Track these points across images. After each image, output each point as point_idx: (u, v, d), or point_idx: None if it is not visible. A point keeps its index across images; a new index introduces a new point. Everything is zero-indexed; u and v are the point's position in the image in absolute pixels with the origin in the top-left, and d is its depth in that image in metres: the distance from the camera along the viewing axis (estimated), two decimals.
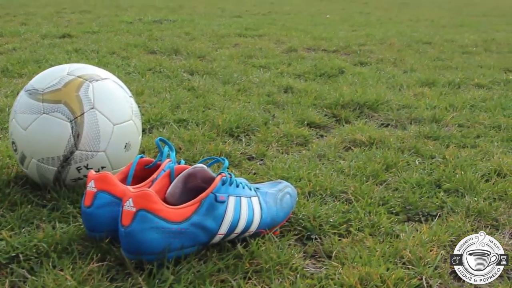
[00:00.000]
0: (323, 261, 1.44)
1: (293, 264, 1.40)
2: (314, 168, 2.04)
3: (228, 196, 1.42)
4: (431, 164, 2.15)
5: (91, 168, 1.75)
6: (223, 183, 1.42)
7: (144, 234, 1.31)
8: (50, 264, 1.35)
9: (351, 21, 7.89)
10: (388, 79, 3.80)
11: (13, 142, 1.81)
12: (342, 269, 1.37)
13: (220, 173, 1.43)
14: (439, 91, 3.45)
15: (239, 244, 1.45)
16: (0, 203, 1.69)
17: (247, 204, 1.47)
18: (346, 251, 1.46)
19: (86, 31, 5.94)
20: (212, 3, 11.09)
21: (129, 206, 1.32)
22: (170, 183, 1.47)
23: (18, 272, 1.34)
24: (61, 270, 1.33)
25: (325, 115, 2.81)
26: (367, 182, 1.94)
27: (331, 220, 1.62)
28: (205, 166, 1.46)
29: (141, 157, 1.62)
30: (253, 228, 1.48)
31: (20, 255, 1.40)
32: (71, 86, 1.77)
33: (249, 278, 1.34)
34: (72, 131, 1.72)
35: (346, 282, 1.31)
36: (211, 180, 1.44)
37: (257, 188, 1.56)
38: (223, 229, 1.41)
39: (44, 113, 1.73)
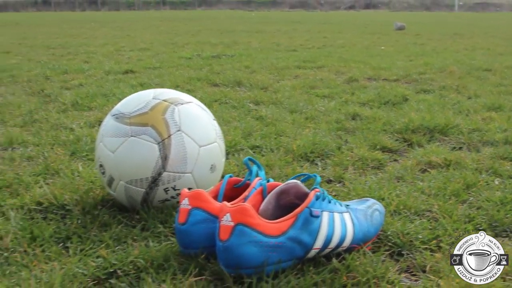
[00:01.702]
0: (419, 275, 1.44)
1: (389, 277, 1.40)
2: (395, 189, 2.04)
3: (322, 211, 1.43)
4: (510, 183, 2.13)
5: (178, 189, 1.78)
6: (317, 198, 1.43)
7: (242, 248, 1.33)
8: (150, 278, 1.38)
9: (406, 52, 7.87)
10: (454, 105, 3.78)
11: (100, 165, 1.85)
12: (441, 281, 1.36)
13: (313, 188, 1.45)
14: (507, 115, 3.42)
15: (334, 258, 1.46)
16: (90, 224, 1.73)
17: (340, 220, 1.48)
18: (440, 265, 1.45)
19: (148, 67, 6.04)
20: (265, 38, 11.18)
21: (226, 220, 1.34)
22: (263, 200, 1.49)
23: (119, 286, 1.36)
24: (160, 284, 1.35)
25: (396, 140, 2.81)
26: (449, 200, 1.93)
27: (420, 236, 1.62)
28: (298, 182, 1.47)
29: (230, 176, 1.64)
30: (347, 243, 1.49)
31: (118, 271, 1.43)
32: (157, 109, 1.81)
33: None
34: (160, 153, 1.75)
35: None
36: (304, 196, 1.45)
37: (347, 205, 1.57)
38: (318, 243, 1.42)
39: (132, 136, 1.77)
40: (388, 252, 1.56)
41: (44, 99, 4.12)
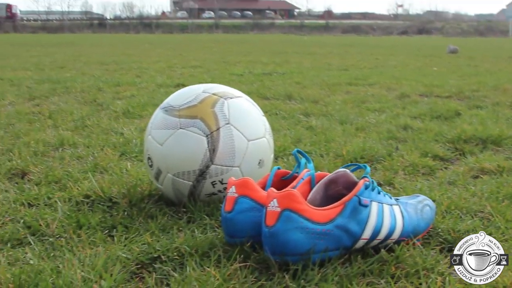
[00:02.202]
0: None
1: (439, 270, 1.36)
2: (446, 192, 2.00)
3: (371, 201, 1.40)
4: None
5: (226, 183, 1.76)
6: (366, 187, 1.40)
7: (288, 234, 1.30)
8: (194, 263, 1.36)
9: (459, 72, 7.77)
10: (508, 120, 3.70)
11: (149, 158, 1.85)
12: None
13: (363, 177, 1.42)
14: None
15: (382, 250, 1.42)
16: (137, 215, 1.72)
17: (389, 211, 1.44)
18: None
19: (199, 82, 6.05)
20: (317, 59, 11.17)
21: (273, 206, 1.32)
22: (311, 190, 1.47)
23: (163, 270, 1.35)
24: (203, 269, 1.33)
25: (448, 149, 2.75)
26: (502, 203, 1.88)
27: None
28: (347, 170, 1.45)
29: (278, 168, 1.62)
30: (396, 235, 1.45)
31: (162, 256, 1.42)
32: (206, 102, 1.80)
33: (396, 281, 1.31)
34: (208, 146, 1.74)
35: (500, 283, 1.26)
36: (353, 185, 1.42)
37: (397, 199, 1.54)
38: (367, 233, 1.39)
39: (180, 128, 1.76)
40: (439, 248, 1.52)
41: (96, 108, 4.17)
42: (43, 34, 39.79)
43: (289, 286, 1.26)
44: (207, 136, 1.75)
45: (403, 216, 1.47)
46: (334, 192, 1.45)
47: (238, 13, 75.64)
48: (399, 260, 1.39)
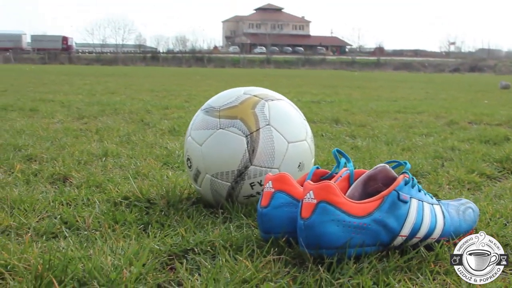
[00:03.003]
0: None
1: None
2: (491, 203, 1.94)
3: (411, 198, 1.36)
4: None
5: None
6: (406, 183, 1.36)
7: (324, 227, 1.27)
8: (227, 255, 1.33)
9: (511, 105, 7.64)
10: None
11: (188, 159, 1.84)
12: None
13: (402, 173, 1.38)
14: None
15: (421, 247, 1.38)
16: (173, 215, 1.71)
17: (430, 210, 1.40)
18: None
19: None
20: (367, 92, 11.13)
21: (309, 198, 1.29)
22: (349, 187, 1.43)
23: (195, 260, 1.33)
24: (236, 260, 1.30)
25: (495, 168, 2.68)
26: None
27: None
28: (387, 165, 1.41)
29: (317, 168, 1.59)
30: (436, 235, 1.40)
31: (195, 249, 1.40)
32: (247, 103, 1.78)
33: (435, 278, 1.26)
34: (247, 146, 1.72)
35: None
36: (392, 181, 1.38)
37: (438, 200, 1.49)
38: (405, 230, 1.35)
39: (220, 128, 1.75)
40: None
41: (143, 126, 4.20)
42: (97, 66, 40.50)
43: (323, 278, 1.22)
44: (246, 136, 1.73)
45: (444, 216, 1.43)
46: (373, 189, 1.41)
47: (290, 48, 75.99)
48: (439, 258, 1.34)
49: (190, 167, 1.83)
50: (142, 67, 39.14)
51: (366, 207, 1.30)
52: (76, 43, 69.04)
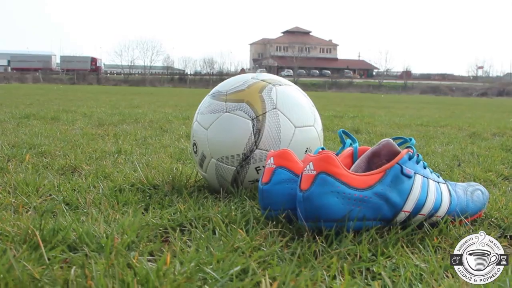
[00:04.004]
0: None
1: None
2: (505, 194, 1.89)
3: (415, 173, 1.32)
4: None
5: None
6: (410, 158, 1.32)
7: (323, 198, 1.23)
8: (223, 227, 1.30)
9: None
10: None
11: (194, 144, 1.81)
12: None
13: (406, 147, 1.34)
14: None
15: (425, 223, 1.33)
16: (177, 198, 1.68)
17: (435, 187, 1.35)
18: None
19: None
20: (391, 111, 11.07)
21: (309, 169, 1.25)
22: (353, 164, 1.39)
23: (190, 232, 1.29)
24: (232, 232, 1.27)
25: None
26: None
27: None
28: (390, 140, 1.37)
29: (322, 149, 1.55)
30: (441, 213, 1.36)
31: (192, 223, 1.36)
32: (254, 87, 1.76)
33: (436, 251, 1.22)
34: (253, 129, 1.69)
35: None
36: (396, 155, 1.34)
37: (446, 180, 1.45)
38: (409, 206, 1.30)
39: (226, 111, 1.72)
40: (488, 230, 1.41)
41: (161, 132, 4.18)
42: (124, 86, 40.78)
43: (320, 249, 1.18)
44: (252, 119, 1.70)
45: (450, 195, 1.38)
46: (377, 166, 1.37)
47: (317, 71, 75.96)
48: (443, 233, 1.30)
49: (196, 152, 1.80)
50: (169, 88, 39.35)
51: (367, 180, 1.26)
52: (104, 64, 69.75)
